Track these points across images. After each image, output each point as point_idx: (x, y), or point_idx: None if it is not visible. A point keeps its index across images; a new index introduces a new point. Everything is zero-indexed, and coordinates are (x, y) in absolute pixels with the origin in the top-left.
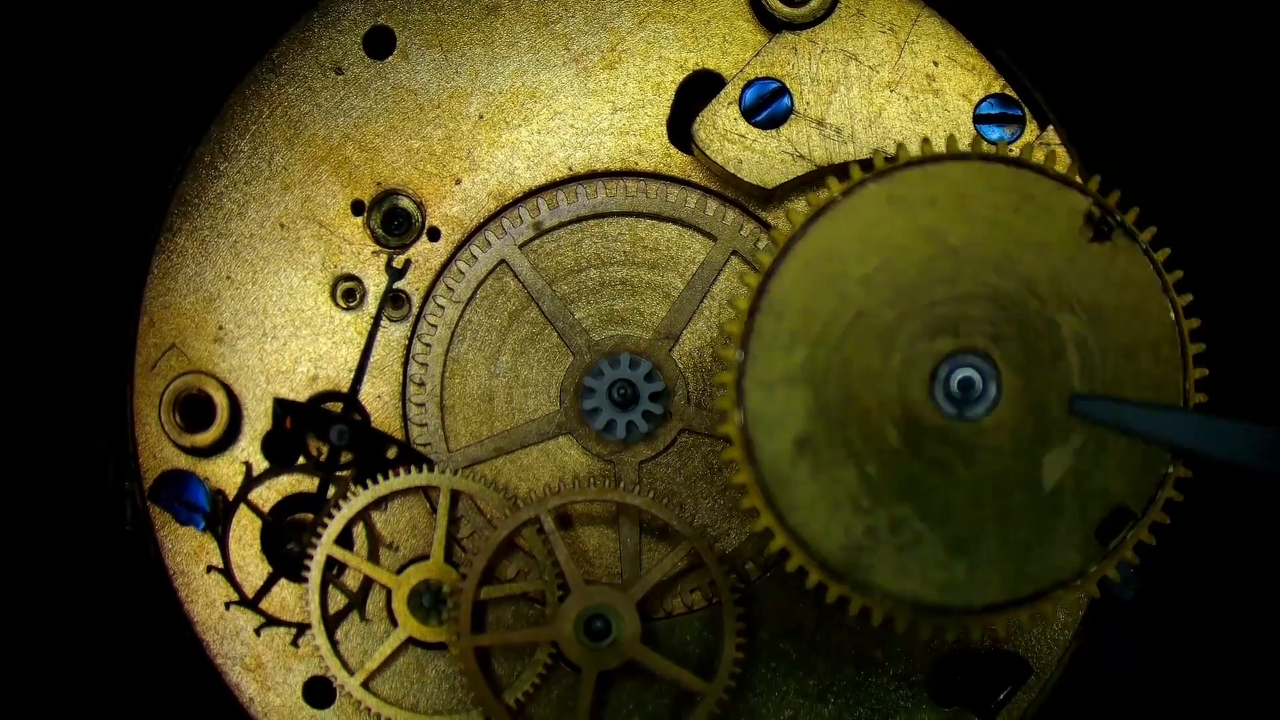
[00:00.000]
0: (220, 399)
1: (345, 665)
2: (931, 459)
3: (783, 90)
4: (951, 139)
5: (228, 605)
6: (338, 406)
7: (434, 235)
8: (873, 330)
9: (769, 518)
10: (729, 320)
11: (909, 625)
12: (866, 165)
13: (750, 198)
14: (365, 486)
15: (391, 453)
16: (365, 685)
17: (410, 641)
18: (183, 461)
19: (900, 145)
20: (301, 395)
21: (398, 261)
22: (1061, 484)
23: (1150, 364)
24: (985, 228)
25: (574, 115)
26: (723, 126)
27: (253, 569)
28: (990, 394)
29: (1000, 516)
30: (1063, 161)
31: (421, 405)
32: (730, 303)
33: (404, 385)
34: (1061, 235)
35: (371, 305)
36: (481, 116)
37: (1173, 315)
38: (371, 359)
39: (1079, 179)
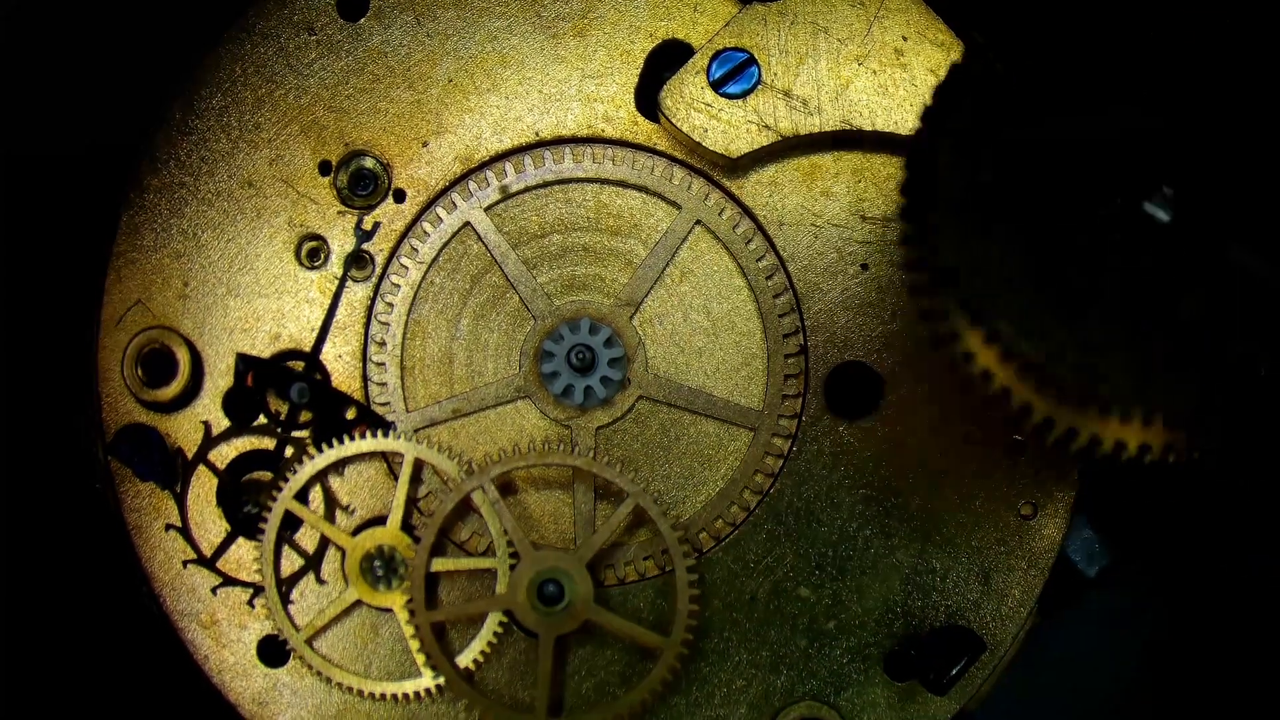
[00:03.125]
0: (183, 355)
1: (293, 623)
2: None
3: (751, 61)
4: None
5: (185, 564)
6: (299, 365)
7: (399, 197)
8: None
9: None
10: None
11: None
12: None
13: (715, 167)
14: (321, 448)
15: (351, 413)
16: (309, 643)
17: (361, 604)
18: (144, 417)
19: None
20: (264, 353)
21: (367, 223)
22: None
23: None
24: None
25: (543, 81)
26: (690, 95)
27: (211, 526)
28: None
29: None
30: None
31: (381, 365)
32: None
33: (365, 345)
34: None
35: (335, 265)
36: (451, 80)
37: None
38: (334, 319)
39: None
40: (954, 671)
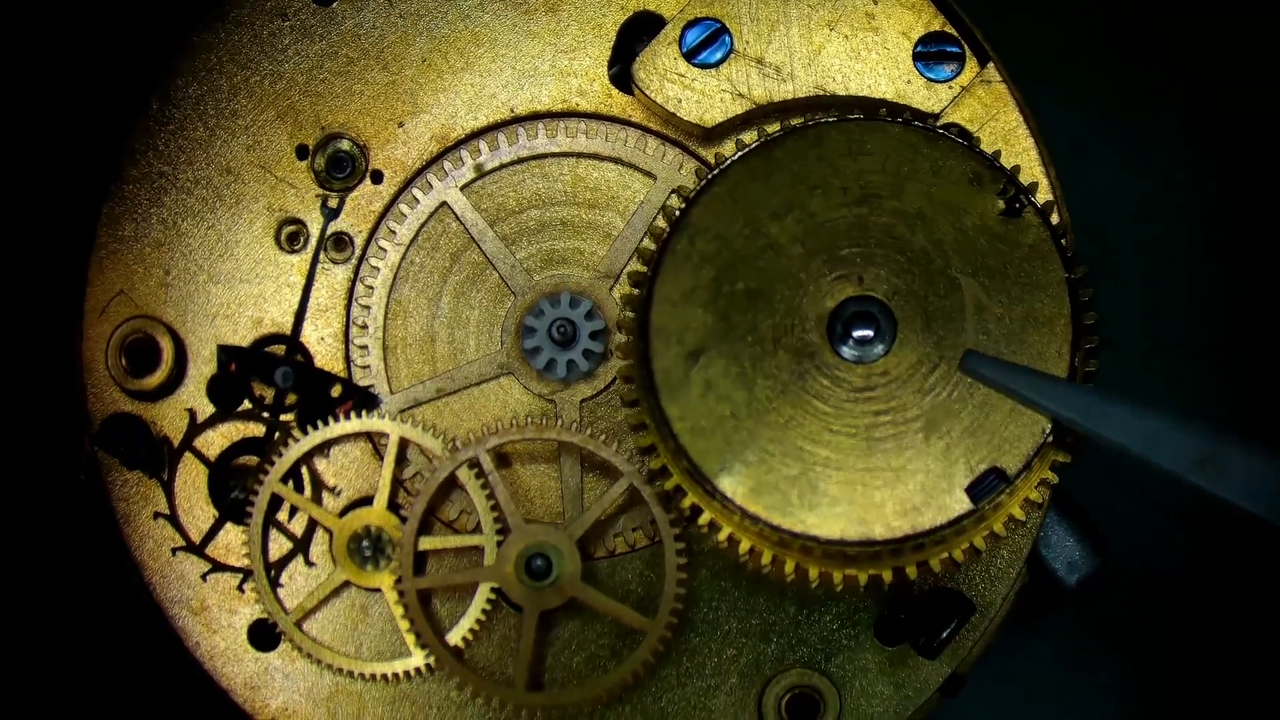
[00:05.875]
0: (166, 343)
1: (283, 606)
2: (820, 393)
3: (723, 30)
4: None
5: (174, 551)
6: (282, 349)
7: (377, 178)
8: (780, 265)
9: (655, 433)
10: (648, 242)
11: (773, 560)
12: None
13: (690, 137)
14: (306, 431)
15: (336, 391)
16: (299, 625)
17: (349, 585)
18: (129, 406)
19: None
20: (246, 339)
21: (332, 201)
22: (945, 437)
23: (1042, 339)
24: (902, 184)
25: (516, 58)
26: (663, 66)
27: (199, 512)
28: (884, 342)
29: (882, 458)
30: (1003, 98)
31: (364, 347)
32: (650, 227)
33: (346, 328)
34: (975, 203)
35: (315, 248)
36: (425, 60)
37: (1068, 297)
38: (316, 302)
39: (992, 158)
40: (945, 634)
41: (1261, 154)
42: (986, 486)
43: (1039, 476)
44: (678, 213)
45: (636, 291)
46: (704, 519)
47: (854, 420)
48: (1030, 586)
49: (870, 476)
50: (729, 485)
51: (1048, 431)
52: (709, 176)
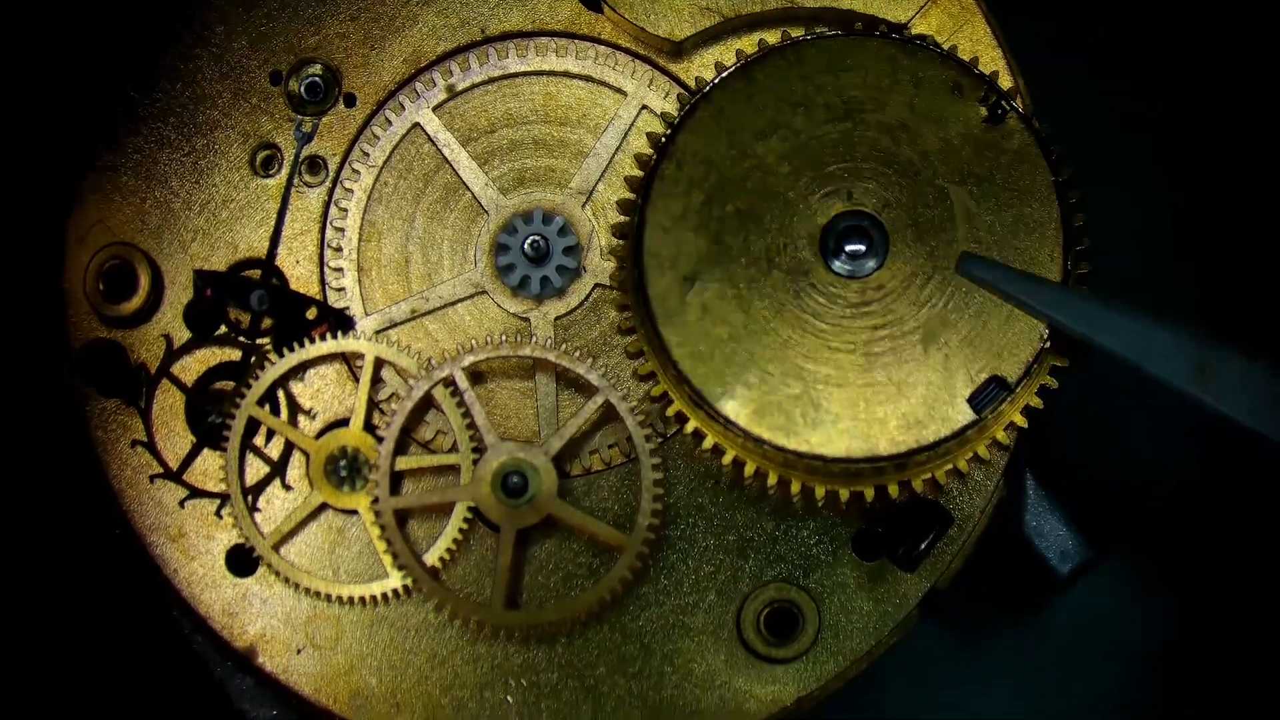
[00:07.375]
0: (143, 269)
1: (260, 531)
2: (817, 311)
3: None
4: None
5: (152, 478)
6: (258, 273)
7: (350, 101)
8: (768, 185)
9: (655, 360)
10: (632, 169)
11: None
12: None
13: (660, 53)
14: (281, 354)
15: (311, 313)
16: (276, 549)
17: (326, 507)
18: (106, 333)
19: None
20: (222, 264)
21: (306, 125)
22: (943, 348)
23: (1034, 243)
24: (885, 98)
25: None
26: None
27: (177, 439)
28: (877, 256)
29: (882, 372)
30: (969, 8)
31: (338, 269)
32: (636, 154)
33: (321, 251)
34: (958, 112)
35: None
36: None
37: (1056, 198)
38: (290, 226)
39: (974, 67)
40: (924, 546)
41: (1241, 138)
42: (988, 396)
43: (1039, 382)
44: (663, 139)
45: (627, 219)
46: (707, 443)
47: (852, 336)
48: (1022, 576)
49: (872, 392)
50: (732, 409)
51: (1045, 337)
52: (691, 101)
